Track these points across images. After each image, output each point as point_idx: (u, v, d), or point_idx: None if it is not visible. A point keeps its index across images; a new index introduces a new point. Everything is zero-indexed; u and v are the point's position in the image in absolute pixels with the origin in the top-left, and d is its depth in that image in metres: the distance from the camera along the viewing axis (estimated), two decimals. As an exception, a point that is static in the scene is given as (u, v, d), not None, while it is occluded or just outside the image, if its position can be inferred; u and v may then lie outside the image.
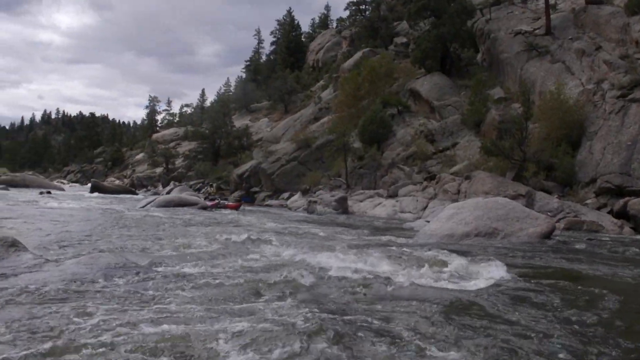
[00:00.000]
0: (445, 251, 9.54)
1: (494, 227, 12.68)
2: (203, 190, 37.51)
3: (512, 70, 30.60)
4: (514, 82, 29.99)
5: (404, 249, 10.19)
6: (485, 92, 29.52)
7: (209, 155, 52.08)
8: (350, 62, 50.10)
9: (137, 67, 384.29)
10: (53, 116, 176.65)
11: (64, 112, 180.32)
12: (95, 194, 35.94)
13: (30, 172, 68.32)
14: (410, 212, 22.97)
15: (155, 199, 19.12)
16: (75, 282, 6.34)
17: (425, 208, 22.76)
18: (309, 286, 6.75)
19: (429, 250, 9.85)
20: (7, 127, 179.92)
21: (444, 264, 8.32)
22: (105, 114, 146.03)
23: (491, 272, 7.74)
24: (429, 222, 15.82)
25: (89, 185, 43.62)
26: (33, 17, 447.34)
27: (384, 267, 8.05)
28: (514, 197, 17.98)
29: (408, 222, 18.66)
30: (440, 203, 22.22)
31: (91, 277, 6.61)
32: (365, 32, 57.37)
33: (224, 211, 24.08)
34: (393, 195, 25.86)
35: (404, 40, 51.37)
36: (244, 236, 11.59)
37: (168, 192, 45.43)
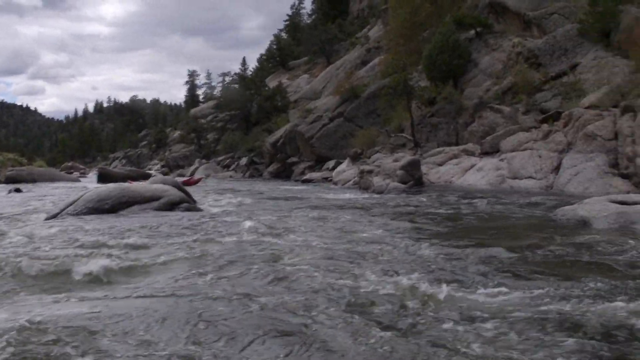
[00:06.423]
0: None
1: None
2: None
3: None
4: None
5: None
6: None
7: (240, 124, 43.34)
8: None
9: (185, 48, 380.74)
10: (105, 105, 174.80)
11: (114, 99, 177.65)
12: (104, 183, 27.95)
13: (70, 163, 65.37)
14: (531, 176, 13.77)
15: (80, 197, 10.34)
16: None
17: (556, 168, 13.52)
18: None
19: None
20: (64, 121, 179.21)
21: None
22: (157, 98, 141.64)
23: None
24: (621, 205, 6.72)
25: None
26: (78, 11, 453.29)
27: None
28: None
29: (562, 208, 8.85)
30: (584, 158, 12.93)
31: None
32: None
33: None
34: (492, 152, 16.68)
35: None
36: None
37: (192, 173, 37.91)
